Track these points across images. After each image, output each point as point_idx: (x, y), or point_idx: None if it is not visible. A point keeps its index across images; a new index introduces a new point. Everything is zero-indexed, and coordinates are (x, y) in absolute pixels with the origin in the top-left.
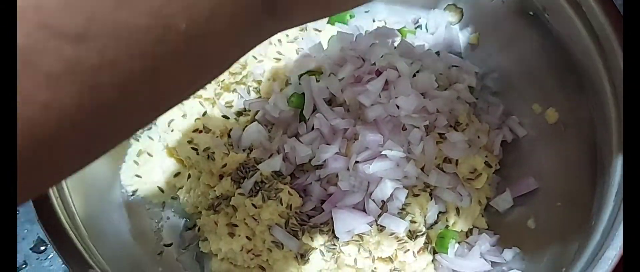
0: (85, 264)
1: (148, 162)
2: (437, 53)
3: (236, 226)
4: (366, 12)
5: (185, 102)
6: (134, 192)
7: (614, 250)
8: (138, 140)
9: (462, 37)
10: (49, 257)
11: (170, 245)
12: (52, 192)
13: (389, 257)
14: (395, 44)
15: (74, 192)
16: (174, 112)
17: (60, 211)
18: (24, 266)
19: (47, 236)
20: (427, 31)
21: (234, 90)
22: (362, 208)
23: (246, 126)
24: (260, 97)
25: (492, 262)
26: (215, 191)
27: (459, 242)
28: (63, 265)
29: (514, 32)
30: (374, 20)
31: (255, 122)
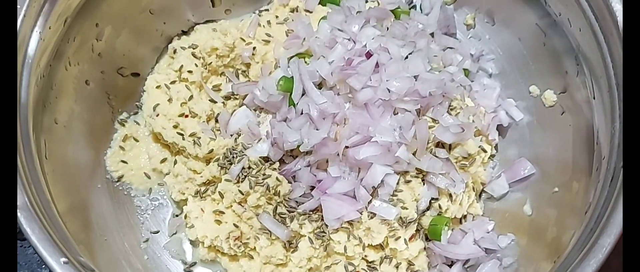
0: (58, 255)
1: (134, 147)
2: (432, 34)
3: (223, 213)
4: None
5: (171, 86)
6: (120, 178)
7: (609, 237)
8: (124, 125)
9: (457, 17)
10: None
11: (156, 232)
12: (25, 181)
13: (380, 244)
14: (389, 25)
15: (53, 180)
16: (160, 96)
17: (34, 201)
18: None
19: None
20: (421, 12)
21: (222, 74)
22: (352, 195)
23: (234, 110)
24: (248, 80)
25: (486, 249)
26: (201, 176)
27: (452, 229)
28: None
29: (511, 12)
30: (367, 1)
31: (244, 107)
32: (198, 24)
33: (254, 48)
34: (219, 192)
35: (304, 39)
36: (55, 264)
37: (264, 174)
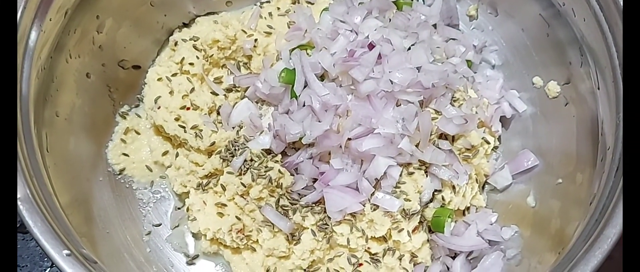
0: (60, 247)
1: (135, 140)
2: (434, 26)
3: (225, 205)
4: None
5: (172, 78)
6: (121, 171)
7: (614, 228)
8: (125, 117)
9: (460, 8)
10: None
11: (158, 225)
12: (27, 174)
13: (383, 236)
14: (391, 17)
15: (55, 173)
16: (161, 89)
17: (35, 194)
18: None
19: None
20: (423, 3)
21: (224, 66)
22: (355, 187)
23: (236, 103)
24: (250, 72)
25: (489, 240)
26: (203, 169)
27: (455, 221)
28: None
29: (515, 3)
30: None
31: (245, 99)
32: (199, 16)
33: (256, 40)
34: (221, 184)
35: (306, 30)
36: (57, 256)
37: (266, 167)
